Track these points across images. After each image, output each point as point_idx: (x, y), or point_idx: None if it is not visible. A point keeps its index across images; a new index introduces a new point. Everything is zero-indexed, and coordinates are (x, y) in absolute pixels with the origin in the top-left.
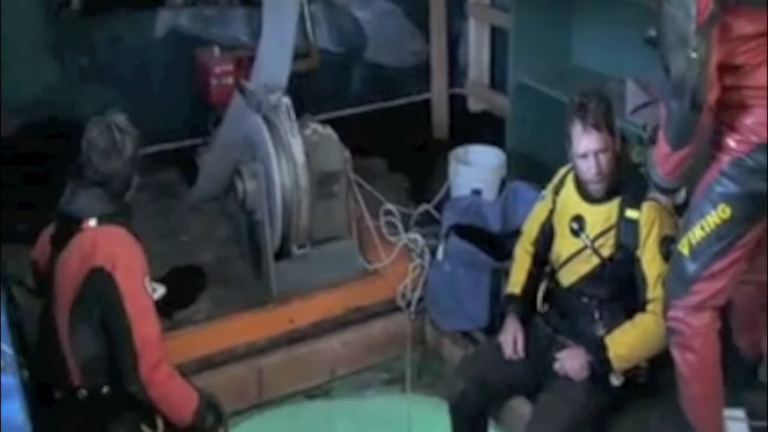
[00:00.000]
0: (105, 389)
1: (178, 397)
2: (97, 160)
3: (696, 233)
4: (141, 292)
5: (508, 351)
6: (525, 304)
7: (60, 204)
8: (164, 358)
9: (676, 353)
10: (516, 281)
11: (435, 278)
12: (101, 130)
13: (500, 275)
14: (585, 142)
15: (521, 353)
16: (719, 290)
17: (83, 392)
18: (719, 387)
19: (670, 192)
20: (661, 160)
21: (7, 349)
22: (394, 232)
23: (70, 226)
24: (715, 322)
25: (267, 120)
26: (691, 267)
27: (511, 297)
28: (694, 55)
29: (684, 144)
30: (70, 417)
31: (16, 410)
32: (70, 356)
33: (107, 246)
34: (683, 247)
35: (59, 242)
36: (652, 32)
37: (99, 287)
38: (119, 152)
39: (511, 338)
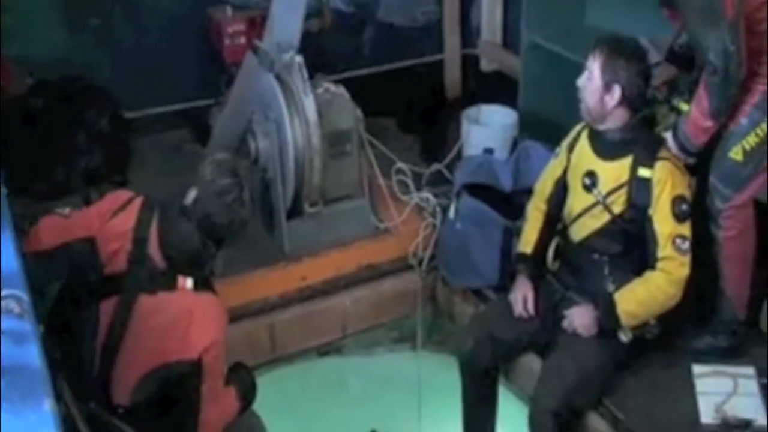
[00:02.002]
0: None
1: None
2: (213, 207)
3: (750, 140)
4: (220, 377)
5: (517, 309)
6: (536, 263)
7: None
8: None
9: (723, 243)
10: (527, 240)
11: (446, 237)
12: (224, 174)
13: (511, 233)
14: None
15: (531, 311)
16: (762, 184)
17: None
18: (751, 264)
19: (695, 155)
20: (700, 133)
21: (24, 295)
22: (405, 191)
23: (162, 275)
24: (752, 215)
25: (279, 79)
26: (745, 170)
27: (523, 256)
28: (732, 47)
29: (723, 113)
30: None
31: (33, 355)
32: (119, 382)
33: (206, 331)
34: (736, 155)
35: (148, 282)
36: None
37: (184, 375)
38: (241, 203)
39: (521, 297)
